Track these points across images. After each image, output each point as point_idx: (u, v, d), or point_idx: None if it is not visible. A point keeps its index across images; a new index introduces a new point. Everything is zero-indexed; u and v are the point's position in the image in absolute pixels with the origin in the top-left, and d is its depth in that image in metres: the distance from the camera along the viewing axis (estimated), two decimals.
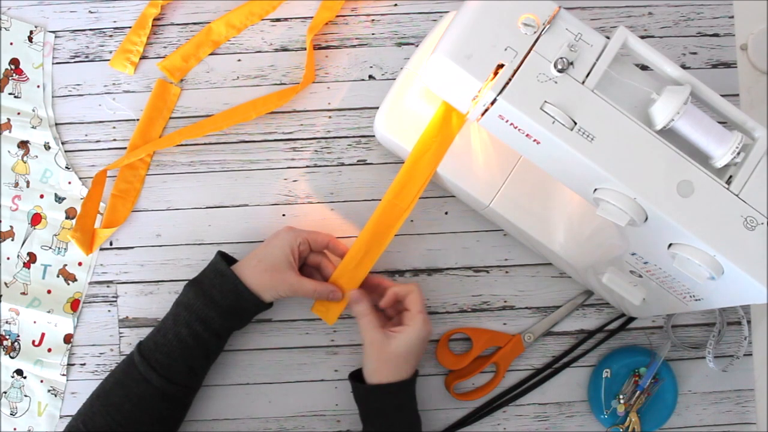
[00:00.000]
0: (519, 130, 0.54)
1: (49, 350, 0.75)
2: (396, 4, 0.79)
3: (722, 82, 0.79)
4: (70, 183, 0.76)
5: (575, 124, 0.52)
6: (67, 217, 0.76)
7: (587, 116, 0.52)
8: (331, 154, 0.77)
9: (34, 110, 0.76)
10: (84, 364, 0.75)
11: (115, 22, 0.78)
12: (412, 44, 0.78)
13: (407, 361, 0.67)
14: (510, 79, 0.52)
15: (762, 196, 0.52)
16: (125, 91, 0.77)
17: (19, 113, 0.76)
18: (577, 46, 0.53)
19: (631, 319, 0.77)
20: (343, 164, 0.77)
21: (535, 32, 0.53)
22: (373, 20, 0.78)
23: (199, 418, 0.75)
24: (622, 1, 0.79)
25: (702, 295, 0.60)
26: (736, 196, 0.52)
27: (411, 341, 0.67)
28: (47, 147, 0.76)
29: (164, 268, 0.76)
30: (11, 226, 0.76)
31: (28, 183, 0.76)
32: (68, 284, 0.76)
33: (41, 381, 0.75)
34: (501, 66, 0.53)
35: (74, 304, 0.76)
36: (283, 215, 0.77)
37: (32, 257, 0.76)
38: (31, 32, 0.77)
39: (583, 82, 0.53)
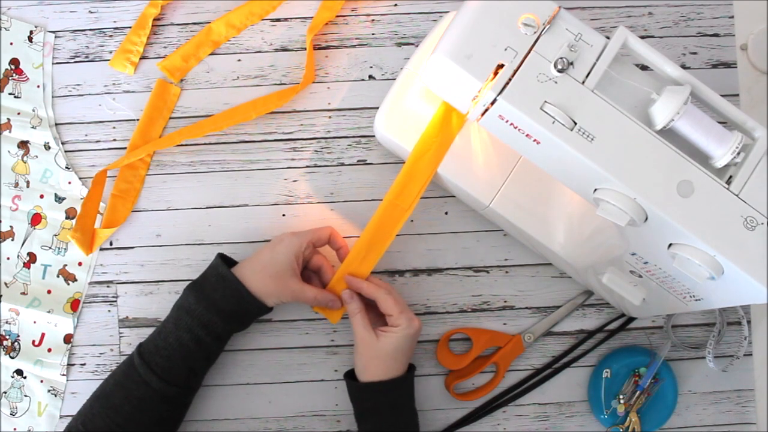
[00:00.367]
0: (519, 130, 0.54)
1: (49, 350, 0.75)
2: (396, 4, 0.79)
3: (722, 82, 0.79)
4: (70, 183, 0.76)
5: (575, 124, 0.52)
6: (67, 217, 0.76)
7: (587, 116, 0.52)
8: (331, 154, 0.77)
9: (34, 110, 0.76)
10: (84, 364, 0.75)
11: (115, 22, 0.78)
12: (412, 44, 0.78)
13: (396, 359, 0.68)
14: (510, 79, 0.52)
15: (762, 196, 0.52)
16: (125, 91, 0.77)
17: (19, 113, 0.76)
18: (577, 46, 0.53)
19: (631, 319, 0.77)
20: (343, 164, 0.77)
21: (535, 32, 0.53)
22: (373, 20, 0.78)
23: (199, 418, 0.75)
24: (622, 1, 0.79)
25: (702, 295, 0.60)
26: (736, 196, 0.52)
27: (398, 341, 0.67)
28: (47, 147, 0.76)
29: (164, 268, 0.76)
30: (11, 226, 0.76)
31: (28, 183, 0.76)
32: (68, 284, 0.76)
33: (41, 381, 0.75)
34: (501, 66, 0.53)
35: (74, 304, 0.76)
36: (283, 215, 0.77)
37: (32, 257, 0.76)
38: (31, 32, 0.77)
39: (583, 82, 0.53)
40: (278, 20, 0.78)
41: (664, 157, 0.52)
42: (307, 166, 0.77)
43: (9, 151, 0.76)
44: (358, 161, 0.77)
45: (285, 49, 0.78)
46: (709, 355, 0.75)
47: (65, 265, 0.76)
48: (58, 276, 0.76)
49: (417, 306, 0.77)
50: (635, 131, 0.53)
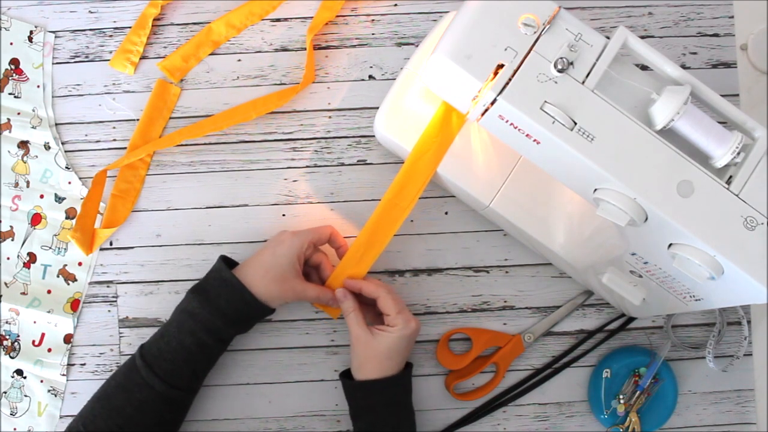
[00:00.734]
0: (519, 130, 0.54)
1: (49, 350, 0.75)
2: (396, 4, 0.79)
3: (722, 82, 0.79)
4: (70, 183, 0.76)
5: (575, 124, 0.52)
6: (67, 217, 0.76)
7: (587, 116, 0.52)
8: (331, 154, 0.77)
9: (34, 110, 0.76)
10: (84, 364, 0.75)
11: (115, 22, 0.78)
12: (412, 44, 0.78)
13: (391, 359, 0.67)
14: (510, 79, 0.52)
15: (762, 196, 0.52)
16: (125, 91, 0.77)
17: (19, 113, 0.76)
18: (577, 46, 0.53)
19: (631, 319, 0.77)
20: (343, 164, 0.77)
21: (535, 32, 0.53)
22: (373, 20, 0.78)
23: (199, 418, 0.75)
24: (622, 1, 0.79)
25: (702, 295, 0.60)
26: (736, 196, 0.52)
27: (394, 340, 0.67)
28: (47, 147, 0.76)
29: (164, 268, 0.76)
30: (11, 226, 0.76)
31: (28, 183, 0.76)
32: (68, 284, 0.76)
33: (41, 381, 0.75)
34: (501, 66, 0.53)
35: (74, 304, 0.76)
36: (283, 215, 0.77)
37: (32, 257, 0.76)
38: (31, 32, 0.77)
39: (583, 82, 0.53)
40: (278, 20, 0.78)
41: (664, 157, 0.52)
42: (307, 166, 0.77)
43: (9, 151, 0.76)
44: (358, 161, 0.77)
45: (285, 49, 0.78)
46: (709, 355, 0.75)
47: (65, 265, 0.76)
48: (58, 276, 0.76)
49: (417, 306, 0.77)
50: (635, 131, 0.53)
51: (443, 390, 0.76)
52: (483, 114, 0.55)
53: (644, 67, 0.56)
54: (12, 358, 0.75)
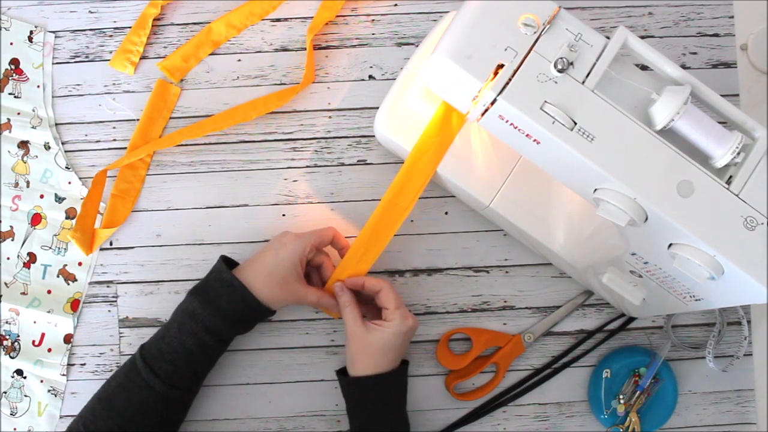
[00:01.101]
0: (519, 130, 0.54)
1: (49, 350, 0.75)
2: (396, 4, 0.79)
3: (722, 82, 0.79)
4: (70, 183, 0.76)
5: (575, 124, 0.52)
6: (67, 217, 0.76)
7: (587, 116, 0.52)
8: (331, 154, 0.77)
9: (34, 110, 0.76)
10: (84, 365, 0.75)
11: (115, 22, 0.78)
12: (412, 44, 0.78)
13: (385, 355, 0.67)
14: (510, 79, 0.52)
15: (762, 196, 0.52)
16: (125, 91, 0.77)
17: (19, 113, 0.76)
18: (577, 46, 0.53)
19: (631, 319, 0.77)
20: (343, 164, 0.77)
21: (535, 32, 0.53)
22: (373, 20, 0.78)
23: (199, 418, 0.75)
24: (622, 1, 0.79)
25: (702, 295, 0.60)
26: (736, 196, 0.52)
27: (389, 336, 0.67)
28: (47, 147, 0.76)
29: (164, 268, 0.76)
30: (11, 226, 0.76)
31: (28, 183, 0.76)
32: (68, 284, 0.76)
33: (41, 381, 0.75)
34: (501, 66, 0.53)
35: (74, 304, 0.76)
36: (283, 215, 0.77)
37: (32, 257, 0.76)
38: (31, 32, 0.77)
39: (583, 82, 0.53)
40: (278, 20, 0.78)
41: (664, 157, 0.52)
42: (307, 166, 0.77)
43: (9, 151, 0.76)
44: (358, 161, 0.77)
45: (285, 49, 0.78)
46: (709, 355, 0.75)
47: (65, 265, 0.76)
48: (58, 276, 0.76)
49: (417, 306, 0.77)
50: (635, 131, 0.53)
51: (443, 390, 0.76)
52: (483, 114, 0.55)
53: (644, 67, 0.56)
54: (12, 358, 0.75)
